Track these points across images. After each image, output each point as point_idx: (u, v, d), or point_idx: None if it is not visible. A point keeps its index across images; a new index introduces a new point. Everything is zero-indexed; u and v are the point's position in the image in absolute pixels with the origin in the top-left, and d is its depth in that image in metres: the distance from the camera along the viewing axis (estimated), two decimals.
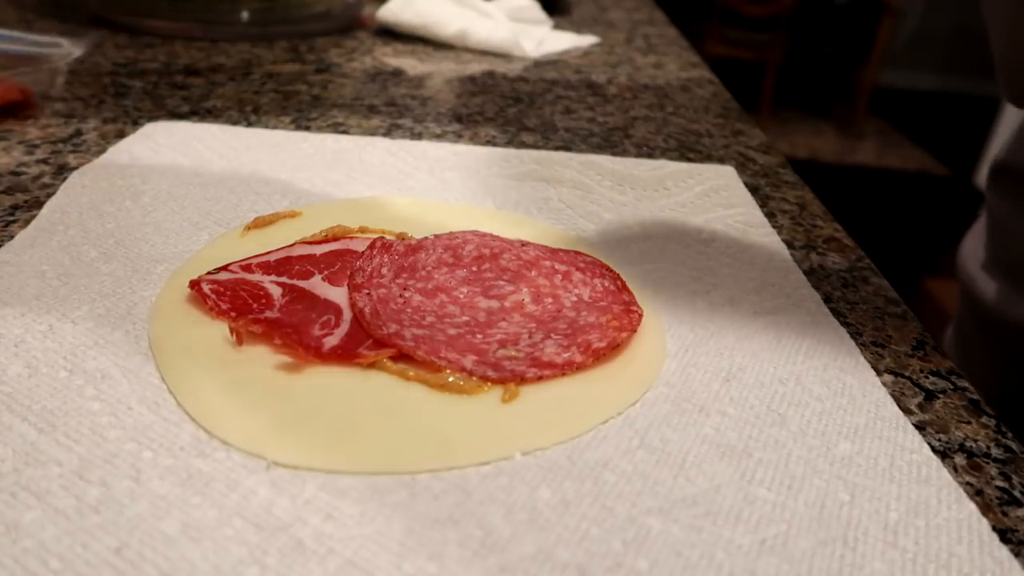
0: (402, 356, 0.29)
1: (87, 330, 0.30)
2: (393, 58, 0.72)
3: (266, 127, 0.52)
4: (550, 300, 0.33)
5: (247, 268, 0.33)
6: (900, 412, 0.30)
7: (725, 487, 0.25)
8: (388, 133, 0.53)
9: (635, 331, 0.32)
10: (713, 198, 0.47)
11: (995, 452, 0.28)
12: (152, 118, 0.52)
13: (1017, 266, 0.51)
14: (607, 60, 0.77)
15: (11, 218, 0.38)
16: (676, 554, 0.23)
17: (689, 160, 0.54)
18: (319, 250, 0.35)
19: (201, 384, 0.27)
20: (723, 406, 0.29)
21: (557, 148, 0.53)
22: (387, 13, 0.79)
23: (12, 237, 0.36)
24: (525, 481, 0.25)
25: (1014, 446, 0.29)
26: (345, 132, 0.53)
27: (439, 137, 0.53)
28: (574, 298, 0.33)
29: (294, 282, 0.33)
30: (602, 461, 0.26)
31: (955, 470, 0.27)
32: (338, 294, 0.32)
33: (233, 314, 0.30)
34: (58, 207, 0.39)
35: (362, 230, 0.38)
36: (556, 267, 0.35)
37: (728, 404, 0.29)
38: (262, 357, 0.29)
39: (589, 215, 0.43)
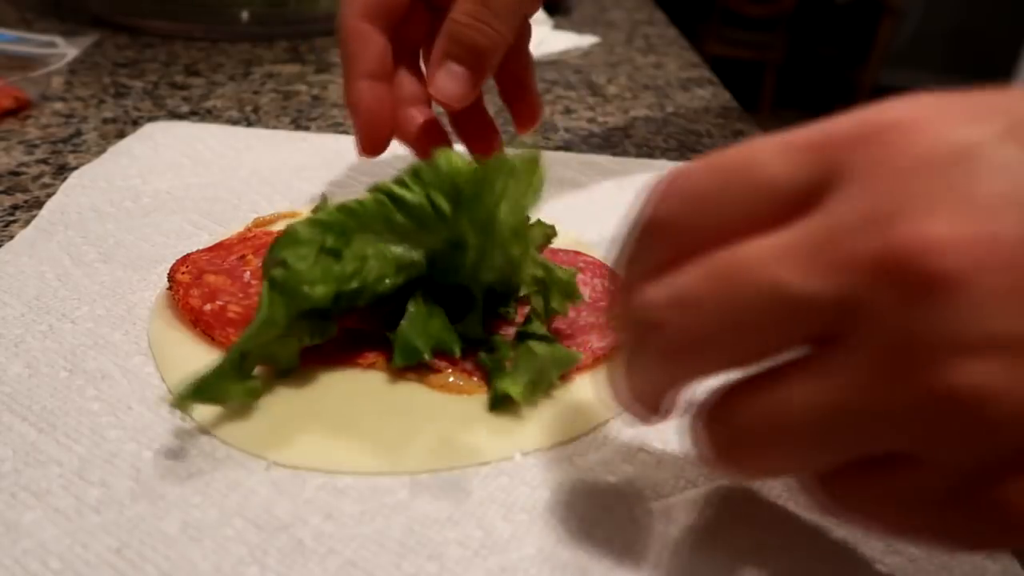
0: None
1: (87, 330, 0.30)
2: None
3: (266, 127, 0.52)
4: None
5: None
6: None
7: (725, 488, 0.25)
8: None
9: None
10: None
11: None
12: (152, 118, 0.52)
13: None
14: (607, 60, 0.77)
15: (11, 218, 0.38)
16: (676, 555, 0.23)
17: (689, 160, 0.54)
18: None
19: None
20: None
21: (557, 148, 0.53)
22: None
23: (12, 237, 0.36)
24: (525, 481, 0.25)
25: None
26: (345, 132, 0.53)
27: None
28: None
29: None
30: (602, 462, 0.26)
31: None
32: None
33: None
34: (58, 207, 0.39)
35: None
36: None
37: None
38: None
39: (589, 215, 0.43)
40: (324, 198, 0.30)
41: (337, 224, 0.27)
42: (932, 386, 0.14)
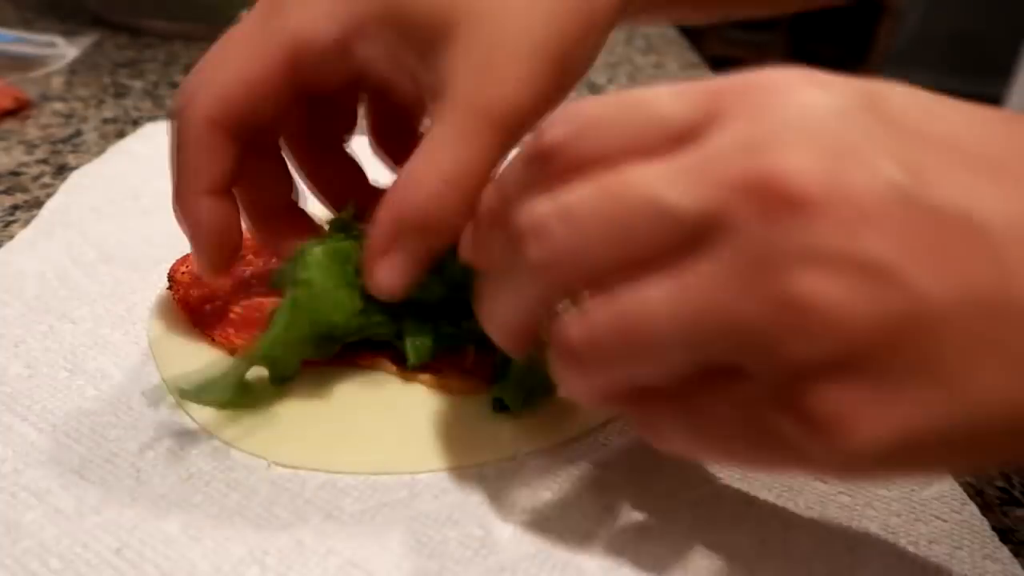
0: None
1: (87, 330, 0.30)
2: None
3: None
4: None
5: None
6: None
7: (725, 488, 0.25)
8: None
9: None
10: None
11: None
12: (152, 118, 0.52)
13: None
14: (607, 60, 0.77)
15: (11, 218, 0.38)
16: (676, 555, 0.23)
17: None
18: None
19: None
20: None
21: None
22: None
23: (12, 237, 0.36)
24: (525, 481, 0.25)
25: None
26: None
27: None
28: None
29: None
30: (603, 462, 0.26)
31: None
32: None
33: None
34: (58, 207, 0.39)
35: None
36: None
37: None
38: None
39: None
40: (350, 202, 0.30)
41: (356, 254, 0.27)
42: (777, 290, 0.16)
